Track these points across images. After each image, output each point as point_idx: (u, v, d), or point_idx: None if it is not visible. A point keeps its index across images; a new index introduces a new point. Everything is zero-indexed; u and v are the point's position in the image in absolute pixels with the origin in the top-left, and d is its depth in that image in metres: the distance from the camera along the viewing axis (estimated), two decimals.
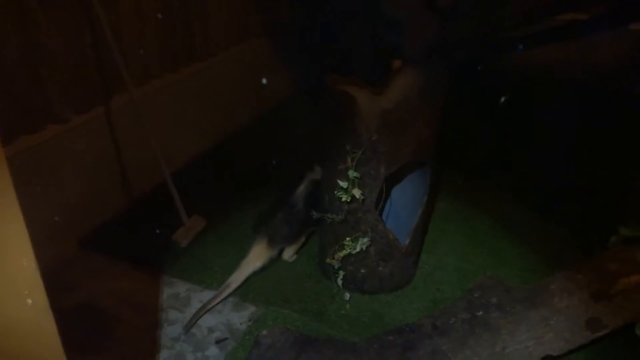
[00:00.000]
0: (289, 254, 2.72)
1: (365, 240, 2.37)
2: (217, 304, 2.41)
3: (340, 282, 2.47)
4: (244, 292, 2.50)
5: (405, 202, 2.66)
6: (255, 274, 2.55)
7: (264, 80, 3.70)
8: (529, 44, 3.54)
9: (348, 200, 2.28)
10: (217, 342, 2.24)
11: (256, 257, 2.56)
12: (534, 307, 1.98)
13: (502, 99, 3.68)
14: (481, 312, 1.99)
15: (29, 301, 1.01)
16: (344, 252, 2.40)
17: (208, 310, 2.38)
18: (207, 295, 2.47)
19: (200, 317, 2.34)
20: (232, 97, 3.78)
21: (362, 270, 2.47)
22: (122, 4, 2.78)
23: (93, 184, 2.81)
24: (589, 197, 3.09)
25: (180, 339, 2.25)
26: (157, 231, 2.83)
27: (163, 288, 2.53)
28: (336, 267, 2.45)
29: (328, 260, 2.45)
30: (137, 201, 3.09)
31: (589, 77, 3.71)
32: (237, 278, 2.48)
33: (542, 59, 3.93)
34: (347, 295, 2.48)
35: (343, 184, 2.26)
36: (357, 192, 2.26)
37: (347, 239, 2.39)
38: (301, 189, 2.68)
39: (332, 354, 1.85)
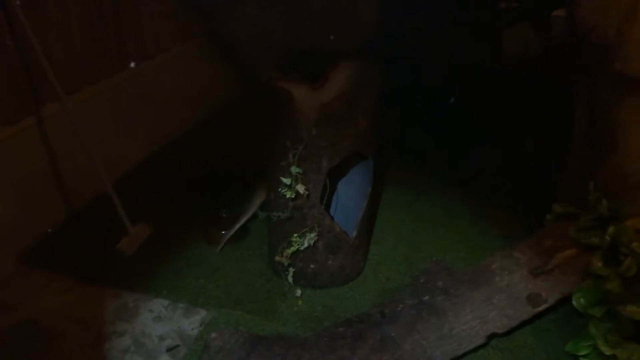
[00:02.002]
0: None
1: (313, 235, 2.38)
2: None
3: (291, 279, 2.47)
4: (194, 296, 2.46)
5: (351, 195, 2.69)
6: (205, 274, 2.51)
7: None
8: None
9: (292, 196, 2.29)
10: (168, 350, 2.19)
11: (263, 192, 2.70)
12: (477, 288, 2.04)
13: (451, 98, 3.77)
14: (427, 297, 2.04)
15: None
16: (293, 249, 2.40)
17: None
18: (157, 304, 2.42)
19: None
20: (174, 101, 3.71)
21: (312, 266, 2.47)
22: (47, 9, 2.68)
23: (29, 197, 2.69)
24: (527, 178, 3.21)
25: (129, 350, 2.19)
26: (100, 242, 2.74)
27: (109, 300, 2.45)
28: (286, 264, 2.45)
29: (277, 258, 2.45)
30: (78, 212, 2.99)
31: (521, 61, 3.86)
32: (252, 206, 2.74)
33: (475, 48, 4.06)
34: (299, 292, 2.48)
35: (286, 180, 2.27)
36: (300, 188, 2.27)
37: (295, 235, 2.39)
38: None
39: (282, 350, 1.85)
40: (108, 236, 2.76)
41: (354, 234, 2.49)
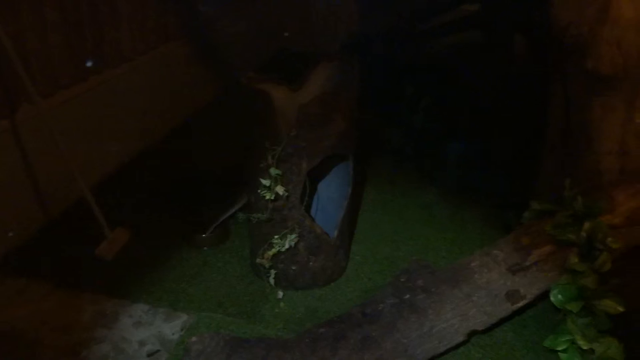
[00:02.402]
0: None
1: (293, 236, 2.37)
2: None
3: (272, 281, 2.46)
4: (175, 300, 2.44)
5: (330, 195, 2.70)
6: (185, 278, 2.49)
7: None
8: (439, 34, 3.70)
9: (272, 198, 2.28)
10: (149, 355, 2.17)
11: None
12: (457, 286, 2.05)
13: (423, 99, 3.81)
14: (408, 296, 2.04)
15: None
16: (273, 251, 2.40)
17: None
18: (137, 309, 2.39)
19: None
20: (153, 103, 3.67)
21: (293, 267, 2.47)
22: (22, 11, 2.64)
23: (4, 202, 2.64)
24: (506, 177, 3.25)
25: (109, 356, 2.16)
26: (78, 247, 2.70)
27: (88, 306, 2.42)
28: (267, 266, 2.44)
29: (258, 260, 2.44)
30: (55, 218, 2.94)
31: (496, 62, 3.91)
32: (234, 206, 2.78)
33: (452, 48, 4.11)
34: (281, 294, 2.48)
35: (265, 182, 2.26)
36: (280, 189, 2.27)
37: (275, 237, 2.38)
38: None
39: (263, 352, 1.84)
40: (86, 241, 2.73)
41: (335, 234, 2.50)
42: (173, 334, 2.27)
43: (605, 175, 2.34)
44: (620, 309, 2.00)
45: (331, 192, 2.72)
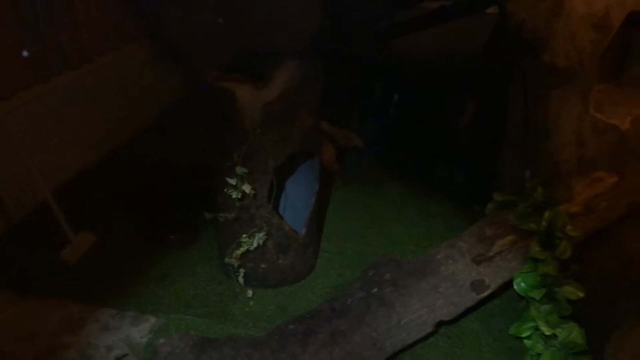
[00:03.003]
0: None
1: (262, 235, 2.37)
2: None
3: (241, 280, 2.45)
4: (143, 303, 2.41)
5: (299, 193, 2.70)
6: (153, 281, 2.45)
7: None
8: (400, 32, 3.74)
9: (239, 196, 2.27)
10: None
11: None
12: (423, 278, 2.08)
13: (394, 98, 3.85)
14: (376, 289, 2.06)
15: None
16: (242, 250, 2.39)
17: None
18: (103, 313, 2.35)
19: None
20: (116, 105, 3.61)
21: (263, 265, 2.47)
22: None
23: None
24: (470, 170, 3.32)
25: None
26: (42, 252, 2.64)
27: (53, 312, 2.37)
28: (236, 265, 2.43)
29: (227, 259, 2.43)
30: (17, 224, 2.87)
31: (456, 58, 3.98)
32: None
33: (413, 46, 4.16)
34: (250, 293, 2.47)
35: (232, 180, 2.25)
36: (247, 188, 2.26)
37: (244, 236, 2.38)
38: None
39: (232, 351, 1.83)
40: (50, 246, 2.67)
41: (303, 231, 2.50)
42: (141, 337, 2.24)
43: (564, 166, 2.40)
44: (581, 294, 2.07)
45: (299, 190, 2.72)
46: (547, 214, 2.11)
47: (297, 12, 3.71)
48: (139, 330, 2.28)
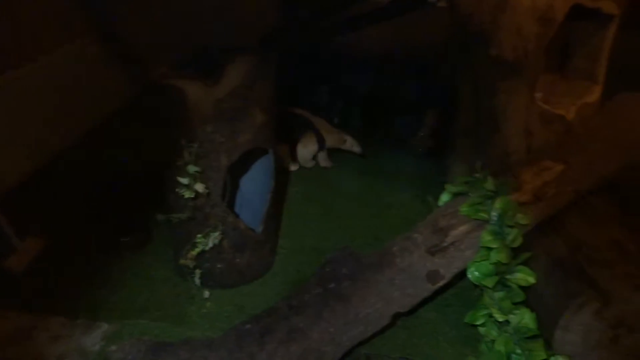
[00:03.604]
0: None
1: (217, 234, 2.33)
2: None
3: (198, 281, 2.41)
4: (94, 310, 2.33)
5: (255, 190, 2.67)
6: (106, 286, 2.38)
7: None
8: (351, 27, 3.75)
9: (192, 196, 2.22)
10: None
11: None
12: (380, 271, 2.09)
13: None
14: (333, 285, 2.06)
15: None
16: (197, 250, 2.34)
17: None
18: (54, 323, 2.26)
19: None
20: (63, 105, 3.47)
21: (219, 265, 2.43)
22: None
23: None
24: (427, 161, 3.36)
25: None
26: None
27: (0, 323, 2.27)
28: (192, 266, 2.38)
29: (182, 261, 2.37)
30: None
31: (408, 54, 4.03)
32: None
33: (364, 40, 4.19)
34: (207, 293, 2.43)
35: (184, 180, 2.20)
36: (200, 187, 2.21)
37: (199, 236, 2.33)
38: None
39: (187, 354, 1.80)
40: None
41: (260, 229, 2.48)
42: (93, 345, 2.17)
43: (513, 156, 2.46)
44: (532, 280, 2.12)
45: (256, 187, 2.69)
46: (497, 204, 2.14)
47: (251, 7, 3.67)
48: (91, 338, 2.20)
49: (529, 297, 2.15)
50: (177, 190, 2.22)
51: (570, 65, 2.72)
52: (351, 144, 3.45)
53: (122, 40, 3.85)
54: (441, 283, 2.15)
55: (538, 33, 2.30)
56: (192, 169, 2.19)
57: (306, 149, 3.39)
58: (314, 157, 3.47)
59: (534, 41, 2.32)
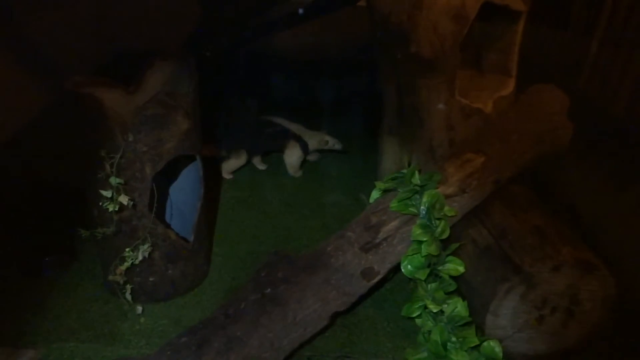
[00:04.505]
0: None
1: (146, 246, 2.25)
2: None
3: (129, 297, 2.31)
4: (18, 336, 2.19)
5: (185, 199, 2.60)
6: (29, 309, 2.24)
7: None
8: (271, 29, 3.74)
9: (116, 209, 2.13)
10: None
11: None
12: (315, 272, 2.10)
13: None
14: (269, 289, 2.04)
15: None
16: (126, 265, 2.25)
17: None
18: None
19: None
20: None
21: (151, 279, 2.35)
22: None
23: None
24: (359, 161, 3.41)
25: None
26: None
27: None
28: (121, 282, 2.28)
29: (111, 277, 2.27)
30: None
31: (334, 54, 4.08)
32: None
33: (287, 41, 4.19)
34: (140, 309, 2.34)
35: (107, 193, 2.10)
36: (124, 199, 2.13)
37: (127, 249, 2.24)
38: None
39: None
40: None
41: (192, 238, 2.41)
42: None
43: (437, 150, 2.54)
44: (462, 269, 2.21)
45: (184, 195, 2.62)
46: (425, 198, 2.20)
47: (173, 10, 3.56)
48: None
49: (460, 286, 2.24)
50: (100, 203, 2.12)
51: (485, 61, 2.84)
52: (333, 143, 3.42)
53: (34, 45, 3.62)
54: (376, 279, 2.19)
55: (453, 30, 2.39)
56: (114, 180, 2.10)
57: (293, 158, 3.34)
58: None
59: (449, 38, 2.40)
